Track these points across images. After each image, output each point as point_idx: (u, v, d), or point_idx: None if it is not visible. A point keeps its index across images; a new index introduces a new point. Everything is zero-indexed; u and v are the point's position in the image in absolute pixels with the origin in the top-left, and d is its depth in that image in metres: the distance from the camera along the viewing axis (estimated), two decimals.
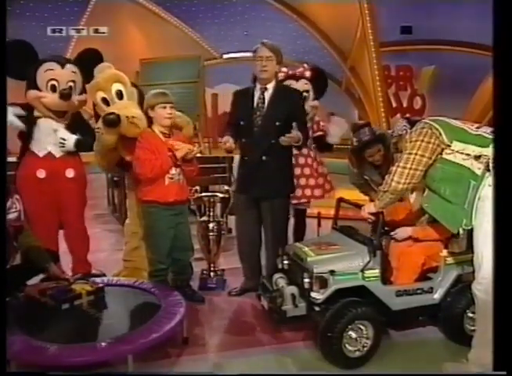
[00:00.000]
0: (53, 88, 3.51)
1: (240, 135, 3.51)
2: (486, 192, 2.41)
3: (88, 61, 3.70)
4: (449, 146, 2.55)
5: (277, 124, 3.39)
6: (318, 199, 4.20)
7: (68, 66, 3.59)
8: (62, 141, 3.57)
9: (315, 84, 4.25)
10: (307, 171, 4.12)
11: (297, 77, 4.16)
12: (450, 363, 2.67)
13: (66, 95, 3.49)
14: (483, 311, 2.43)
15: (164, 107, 3.32)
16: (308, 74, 4.22)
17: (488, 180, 2.40)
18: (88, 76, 3.69)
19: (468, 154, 2.49)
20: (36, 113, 3.61)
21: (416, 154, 2.59)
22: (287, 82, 4.06)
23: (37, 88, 3.51)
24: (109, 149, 3.50)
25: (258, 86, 3.52)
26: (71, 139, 3.59)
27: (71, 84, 3.58)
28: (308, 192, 4.11)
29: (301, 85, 4.11)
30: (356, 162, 3.74)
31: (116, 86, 3.57)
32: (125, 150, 3.49)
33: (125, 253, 3.90)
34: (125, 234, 3.93)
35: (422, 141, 2.58)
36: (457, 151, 2.53)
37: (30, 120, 3.58)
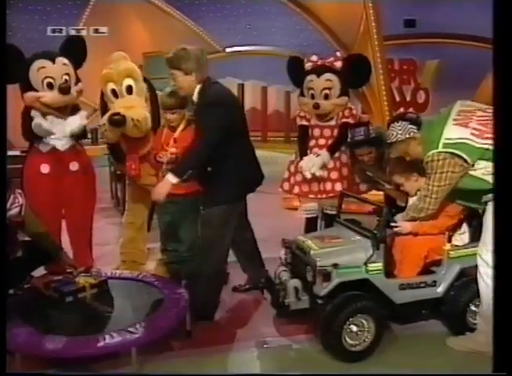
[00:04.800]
0: (50, 86, 3.46)
1: None
2: None
3: (74, 48, 3.68)
4: (473, 165, 2.63)
5: None
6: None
7: (58, 59, 3.53)
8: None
9: (347, 75, 3.80)
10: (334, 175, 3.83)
11: (322, 70, 3.82)
12: (453, 338, 2.86)
13: (65, 89, 3.47)
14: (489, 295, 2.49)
15: (171, 113, 3.41)
16: (338, 64, 3.84)
17: None
18: (77, 64, 3.67)
19: (488, 171, 2.56)
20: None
21: (444, 185, 2.69)
22: (309, 77, 3.84)
23: (32, 89, 3.46)
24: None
25: None
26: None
27: (66, 77, 3.53)
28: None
29: (322, 83, 3.80)
30: (351, 158, 3.76)
31: (127, 81, 3.60)
32: (127, 146, 3.68)
33: (121, 244, 3.97)
34: (123, 225, 4.04)
35: (447, 172, 2.65)
36: (479, 168, 2.62)
37: (32, 118, 3.52)
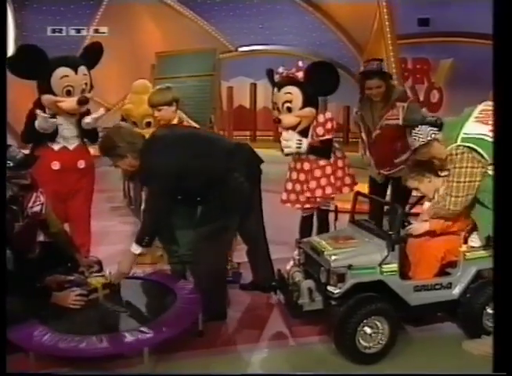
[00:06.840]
0: (69, 93, 3.69)
1: None
2: None
3: (93, 55, 3.94)
4: (492, 163, 2.60)
5: None
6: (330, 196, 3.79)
7: (80, 69, 3.74)
8: None
9: (310, 85, 3.57)
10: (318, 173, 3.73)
11: (284, 83, 3.65)
12: (468, 341, 2.83)
13: (83, 102, 3.73)
14: None
15: (158, 110, 3.72)
16: (300, 75, 3.61)
17: None
18: (92, 67, 3.89)
19: None
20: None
21: (465, 182, 2.70)
22: (274, 91, 3.72)
23: (52, 92, 3.67)
24: None
25: None
26: None
27: (84, 86, 3.77)
28: (318, 192, 3.74)
29: (282, 96, 3.63)
30: (361, 92, 4.02)
31: (147, 119, 4.30)
32: None
33: None
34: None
35: (466, 167, 2.68)
36: None
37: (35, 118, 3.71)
